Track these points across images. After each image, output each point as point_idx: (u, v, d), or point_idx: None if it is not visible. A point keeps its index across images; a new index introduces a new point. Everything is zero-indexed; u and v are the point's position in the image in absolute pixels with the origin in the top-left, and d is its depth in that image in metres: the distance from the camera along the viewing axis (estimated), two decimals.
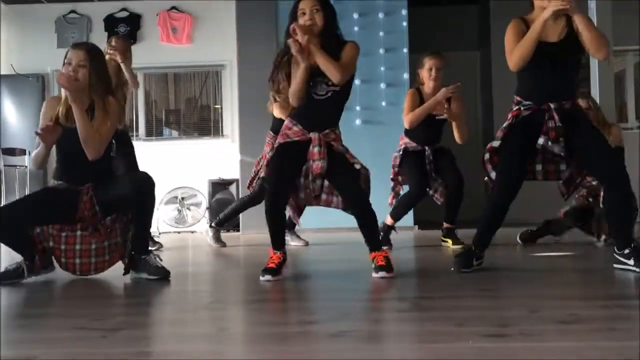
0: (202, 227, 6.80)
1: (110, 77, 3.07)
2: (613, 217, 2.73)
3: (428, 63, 4.07)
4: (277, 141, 2.95)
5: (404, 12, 6.35)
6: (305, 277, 2.97)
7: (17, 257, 2.97)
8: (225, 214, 4.65)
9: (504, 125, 2.84)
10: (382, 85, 6.32)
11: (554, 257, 3.54)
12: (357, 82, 6.25)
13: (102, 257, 2.97)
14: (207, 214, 6.77)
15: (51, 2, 7.19)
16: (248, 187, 4.49)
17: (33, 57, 7.21)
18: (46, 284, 2.89)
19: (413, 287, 2.67)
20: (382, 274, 2.67)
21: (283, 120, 4.42)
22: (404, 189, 4.21)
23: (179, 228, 6.75)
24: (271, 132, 4.54)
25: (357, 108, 6.29)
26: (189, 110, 7.73)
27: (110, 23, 7.23)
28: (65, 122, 2.90)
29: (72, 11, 7.28)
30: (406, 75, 6.26)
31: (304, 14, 2.77)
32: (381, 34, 6.35)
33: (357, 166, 2.85)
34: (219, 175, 6.84)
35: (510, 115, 2.84)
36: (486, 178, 2.86)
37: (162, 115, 7.68)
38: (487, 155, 2.83)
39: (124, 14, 7.28)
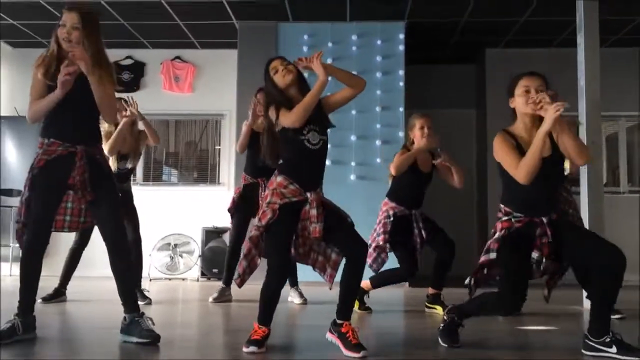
0: (194, 275, 6.82)
1: (102, 43, 3.02)
2: (597, 303, 2.74)
3: (419, 122, 4.16)
4: (273, 199, 2.80)
5: (401, 72, 6.51)
6: (286, 349, 2.96)
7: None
8: (225, 273, 4.73)
9: (496, 236, 2.82)
10: (378, 142, 6.43)
11: (540, 333, 3.56)
12: (352, 138, 6.43)
13: (77, 218, 3.03)
14: (199, 262, 6.78)
15: None
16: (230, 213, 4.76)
17: None
18: (30, 345, 2.88)
19: None
20: (364, 353, 2.65)
21: (255, 162, 4.64)
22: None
23: (170, 275, 6.75)
24: (245, 174, 4.80)
25: (352, 164, 6.39)
26: (187, 154, 7.83)
27: (115, 70, 7.36)
28: (50, 81, 2.92)
29: None
30: (401, 133, 6.37)
31: (276, 71, 2.90)
32: (378, 92, 6.49)
33: (349, 220, 2.87)
34: (213, 224, 6.88)
35: (500, 226, 2.83)
36: (469, 281, 2.84)
37: (162, 157, 7.77)
38: (484, 270, 2.82)
39: (129, 61, 7.45)
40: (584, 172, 4.79)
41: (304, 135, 2.83)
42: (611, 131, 7.59)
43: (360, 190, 6.16)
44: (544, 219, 2.77)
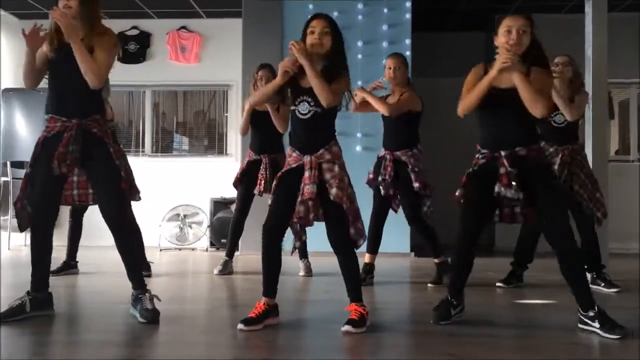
0: (203, 245, 6.94)
1: (98, 11, 3.05)
2: (568, 280, 2.81)
3: (387, 62, 4.41)
4: (283, 168, 3.02)
5: (408, 41, 6.43)
6: (282, 326, 2.97)
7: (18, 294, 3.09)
8: (228, 245, 4.83)
9: (466, 172, 2.97)
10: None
11: (538, 307, 3.60)
12: None
13: (84, 190, 3.06)
14: (208, 232, 6.89)
15: None
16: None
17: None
18: (34, 321, 2.98)
19: (380, 346, 2.67)
20: (347, 327, 2.74)
21: (258, 139, 4.73)
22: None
23: (180, 245, 6.88)
24: (250, 150, 4.88)
25: (358, 135, 6.39)
26: (197, 123, 7.87)
27: (121, 41, 7.37)
28: (53, 55, 2.95)
29: None
30: None
31: (312, 32, 2.85)
32: (384, 62, 6.40)
33: (338, 198, 2.83)
34: (221, 194, 6.96)
35: (473, 163, 2.97)
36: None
37: (173, 126, 7.82)
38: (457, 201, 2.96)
39: (135, 32, 7.43)
40: (588, 140, 4.78)
41: (296, 106, 2.92)
42: (623, 97, 7.49)
43: (366, 161, 6.08)
44: (503, 153, 2.83)
